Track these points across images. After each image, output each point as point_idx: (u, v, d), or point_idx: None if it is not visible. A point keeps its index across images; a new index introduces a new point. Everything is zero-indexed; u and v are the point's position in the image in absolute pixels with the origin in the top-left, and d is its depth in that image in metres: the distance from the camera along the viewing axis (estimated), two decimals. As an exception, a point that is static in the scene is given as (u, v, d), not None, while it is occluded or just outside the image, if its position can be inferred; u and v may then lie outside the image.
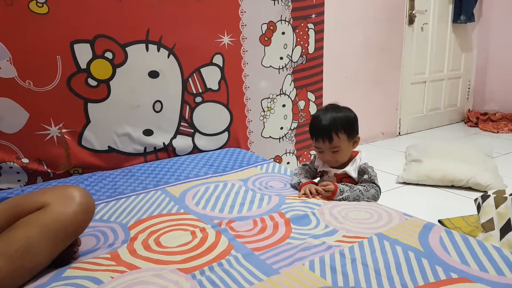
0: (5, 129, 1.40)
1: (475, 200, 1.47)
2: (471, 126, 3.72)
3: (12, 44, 1.35)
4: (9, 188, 1.40)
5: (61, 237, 0.84)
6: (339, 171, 1.31)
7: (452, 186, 2.14)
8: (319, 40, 2.11)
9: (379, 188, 1.26)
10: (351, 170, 1.30)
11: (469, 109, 3.96)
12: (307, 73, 2.12)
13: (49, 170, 1.48)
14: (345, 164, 1.31)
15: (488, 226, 1.30)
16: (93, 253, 0.93)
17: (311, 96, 2.17)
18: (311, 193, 1.25)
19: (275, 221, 1.08)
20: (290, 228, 1.04)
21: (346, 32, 2.85)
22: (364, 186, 1.24)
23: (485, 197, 1.40)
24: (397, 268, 0.83)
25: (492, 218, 1.29)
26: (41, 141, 1.45)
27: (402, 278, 0.80)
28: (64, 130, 1.49)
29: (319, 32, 2.10)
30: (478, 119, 3.72)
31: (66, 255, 0.88)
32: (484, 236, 1.29)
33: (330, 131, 1.24)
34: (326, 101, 2.28)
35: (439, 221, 1.63)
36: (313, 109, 2.19)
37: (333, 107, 1.30)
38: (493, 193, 1.38)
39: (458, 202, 1.95)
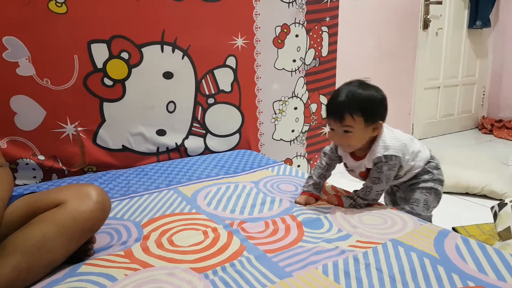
0: (22, 126, 1.42)
1: (492, 208, 1.44)
2: (485, 133, 3.66)
3: (31, 42, 1.37)
4: (25, 184, 1.42)
5: (77, 234, 0.85)
6: (363, 169, 1.19)
7: (466, 194, 2.10)
8: (332, 43, 2.11)
9: (387, 184, 1.13)
10: (369, 162, 1.16)
11: (484, 116, 3.89)
12: (320, 76, 2.11)
13: (64, 168, 1.50)
14: (365, 153, 1.16)
15: (505, 235, 1.27)
16: (107, 250, 0.94)
17: (323, 99, 2.16)
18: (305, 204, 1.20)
19: (287, 223, 1.08)
20: (302, 231, 1.04)
21: (359, 36, 2.83)
22: (363, 189, 1.15)
23: (502, 205, 1.37)
24: (412, 275, 0.82)
25: (510, 226, 1.27)
26: (57, 139, 1.47)
27: (417, 285, 0.79)
28: (79, 129, 1.51)
29: (333, 35, 2.10)
30: (493, 126, 3.66)
31: (81, 251, 0.89)
32: (500, 244, 1.27)
33: (344, 109, 1.07)
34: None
35: (453, 229, 1.60)
36: (325, 113, 2.18)
37: (359, 83, 1.11)
38: (510, 201, 1.36)
39: (473, 209, 1.92)
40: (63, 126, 1.48)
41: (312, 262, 0.87)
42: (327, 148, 1.29)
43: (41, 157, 1.46)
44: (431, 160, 1.24)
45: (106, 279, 0.82)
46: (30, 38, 1.37)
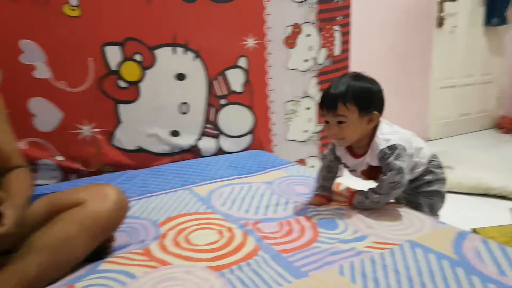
0: (41, 127, 1.45)
1: None
2: (504, 132, 3.59)
3: (47, 46, 1.40)
4: (45, 184, 1.46)
5: (97, 232, 0.87)
6: (365, 167, 1.14)
7: (486, 195, 2.06)
8: (345, 43, 2.10)
9: (400, 175, 1.03)
10: (372, 159, 1.10)
11: (502, 115, 3.81)
12: (333, 76, 2.10)
13: (82, 168, 1.53)
14: (365, 150, 1.12)
15: (524, 236, 1.25)
16: (126, 248, 0.96)
17: (336, 99, 2.15)
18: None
19: (302, 224, 1.08)
20: (317, 232, 1.03)
21: (373, 35, 2.81)
22: (377, 184, 1.09)
23: (521, 206, 1.34)
24: (430, 276, 0.81)
25: (529, 227, 1.24)
26: (75, 140, 1.51)
27: (435, 286, 0.78)
28: (96, 130, 1.54)
29: (345, 34, 2.09)
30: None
31: (101, 249, 0.91)
32: (520, 246, 1.24)
33: (336, 98, 1.04)
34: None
35: (473, 230, 1.58)
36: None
37: (354, 75, 1.10)
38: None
39: (492, 211, 1.88)
40: (80, 127, 1.51)
41: (328, 263, 0.87)
42: (326, 151, 1.27)
43: (60, 158, 1.49)
44: (433, 159, 1.19)
45: (126, 276, 0.84)
46: (46, 41, 1.40)
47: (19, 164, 0.94)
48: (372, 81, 1.10)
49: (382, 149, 1.07)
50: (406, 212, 1.12)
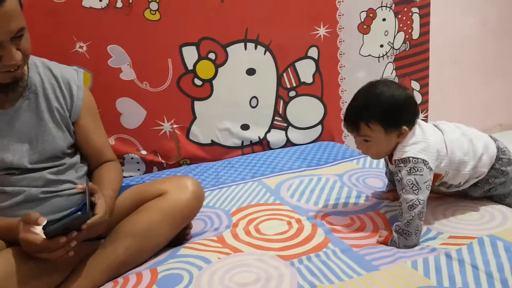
0: (127, 125, 1.61)
1: None
2: None
3: (131, 49, 1.52)
4: (130, 176, 1.62)
5: (177, 220, 0.96)
6: None
7: None
8: (424, 25, 1.95)
9: (414, 193, 0.91)
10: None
11: None
12: (411, 61, 1.98)
13: (163, 161, 1.66)
14: None
15: None
16: (202, 235, 1.04)
17: (415, 85, 2.02)
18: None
19: (374, 221, 1.05)
20: (391, 229, 0.99)
21: (457, 14, 2.55)
22: (399, 211, 0.95)
23: None
24: (513, 273, 0.74)
25: None
26: (156, 135, 1.64)
27: (520, 284, 0.71)
28: (175, 126, 1.66)
29: (425, 16, 1.94)
30: None
31: (180, 236, 1.00)
32: None
33: (358, 116, 0.96)
34: (432, 90, 2.09)
35: None
36: (417, 99, 2.03)
37: (381, 83, 0.99)
38: None
39: None
40: (161, 124, 1.64)
41: (400, 257, 0.85)
42: None
43: (144, 152, 1.64)
44: (501, 156, 1.02)
45: (202, 261, 0.91)
46: (130, 45, 1.52)
47: (110, 158, 1.05)
48: (400, 88, 0.98)
49: (395, 159, 0.97)
50: (487, 206, 1.04)
